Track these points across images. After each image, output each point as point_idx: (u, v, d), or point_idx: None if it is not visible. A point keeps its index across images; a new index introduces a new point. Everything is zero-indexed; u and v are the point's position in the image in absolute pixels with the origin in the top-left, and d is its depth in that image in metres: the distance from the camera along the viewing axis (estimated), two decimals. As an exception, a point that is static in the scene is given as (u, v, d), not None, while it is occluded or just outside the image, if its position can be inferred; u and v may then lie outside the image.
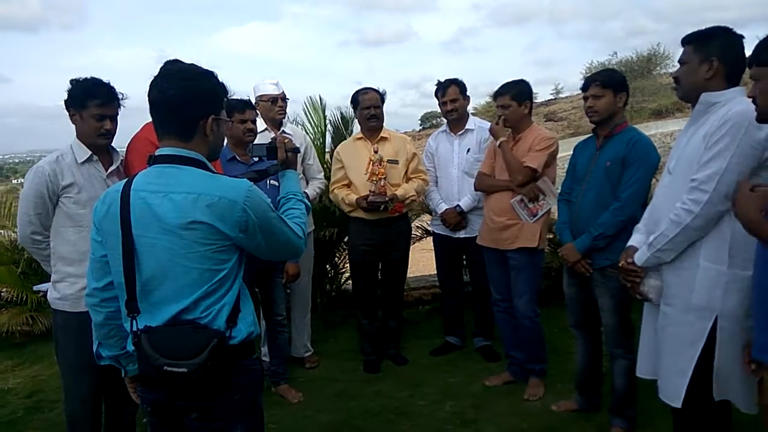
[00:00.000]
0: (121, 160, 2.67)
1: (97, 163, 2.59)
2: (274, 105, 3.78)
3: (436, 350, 4.23)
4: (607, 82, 2.92)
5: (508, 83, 3.51)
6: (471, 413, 3.35)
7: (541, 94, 46.57)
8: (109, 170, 2.61)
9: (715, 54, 2.17)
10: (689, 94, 2.25)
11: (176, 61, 1.84)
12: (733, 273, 2.05)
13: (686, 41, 2.26)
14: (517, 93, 3.44)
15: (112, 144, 2.66)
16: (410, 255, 5.16)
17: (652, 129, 22.86)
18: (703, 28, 2.26)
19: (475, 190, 3.70)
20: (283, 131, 3.88)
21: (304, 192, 3.83)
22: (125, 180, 1.69)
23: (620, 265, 2.43)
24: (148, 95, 1.66)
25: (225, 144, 3.43)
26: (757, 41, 1.87)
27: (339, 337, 4.63)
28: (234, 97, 3.27)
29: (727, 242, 2.07)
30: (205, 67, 1.70)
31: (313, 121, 5.10)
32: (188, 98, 1.63)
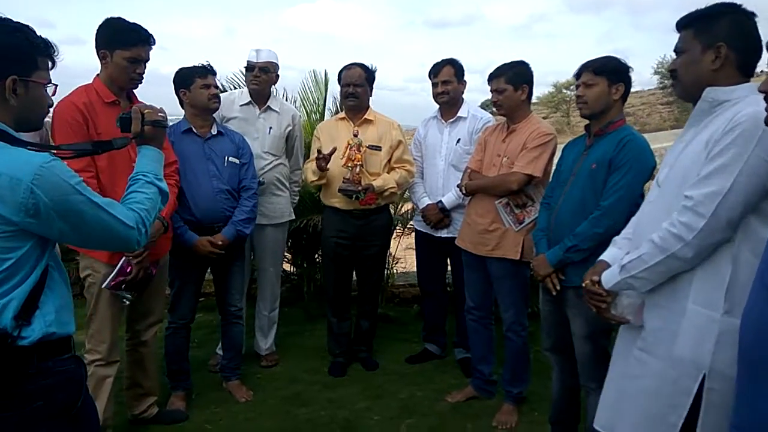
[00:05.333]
0: None
1: None
2: (250, 74, 3.48)
3: (413, 357, 3.88)
4: (601, 69, 2.48)
5: (504, 64, 3.08)
6: (426, 436, 2.99)
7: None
8: None
9: (722, 38, 1.69)
10: (691, 90, 1.78)
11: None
12: (728, 322, 1.59)
13: (683, 25, 1.80)
14: (513, 75, 3.02)
15: None
16: (404, 249, 4.82)
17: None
18: (704, 7, 1.79)
19: (464, 193, 3.27)
20: (269, 106, 3.57)
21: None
22: None
23: (583, 284, 2.02)
24: None
25: (183, 116, 3.17)
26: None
27: (316, 331, 4.33)
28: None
29: (724, 282, 1.63)
30: (16, 21, 1.45)
31: (313, 97, 4.77)
32: None
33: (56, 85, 1.59)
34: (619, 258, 1.94)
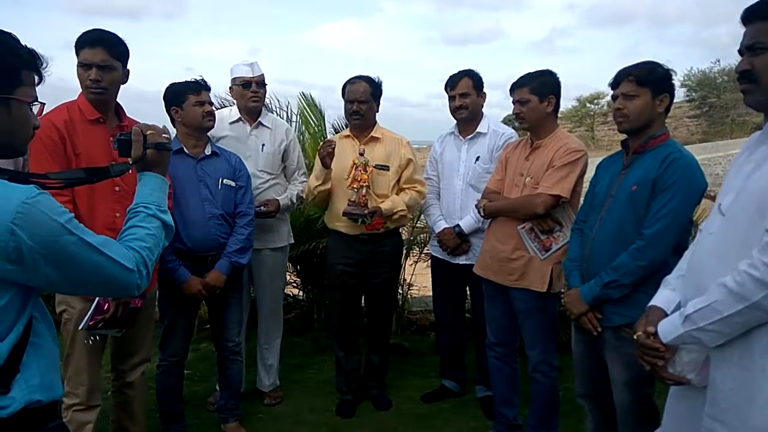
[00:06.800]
0: None
1: None
2: (247, 90, 3.21)
3: (429, 395, 3.53)
4: (645, 79, 2.15)
5: (528, 73, 2.77)
6: (444, 490, 2.65)
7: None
8: None
9: None
10: None
11: None
12: None
13: (762, 14, 1.45)
14: (538, 85, 2.70)
15: None
16: (424, 268, 4.50)
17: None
18: None
19: (482, 216, 2.94)
20: (260, 122, 3.30)
21: (275, 199, 3.20)
22: None
23: (636, 336, 1.68)
24: None
25: (175, 135, 2.92)
26: None
27: (325, 364, 4.01)
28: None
29: None
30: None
31: (313, 120, 4.53)
32: None
33: (43, 104, 1.37)
34: (674, 301, 1.61)
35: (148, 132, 1.51)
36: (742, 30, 1.51)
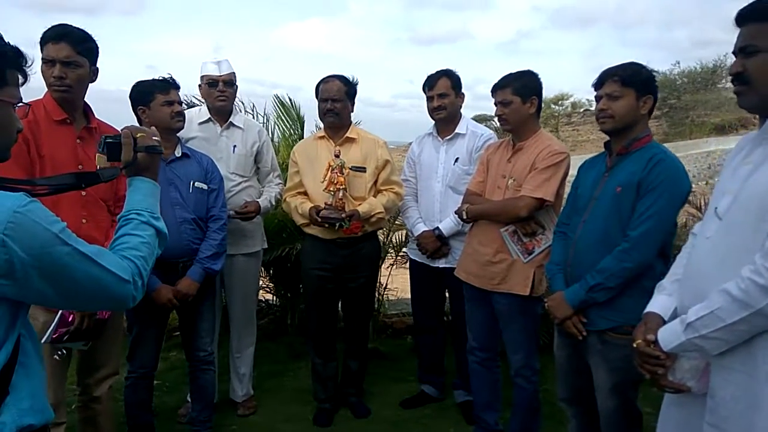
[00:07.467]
0: None
1: None
2: (213, 89, 3.10)
3: (408, 401, 3.47)
4: (629, 80, 2.12)
5: (510, 74, 2.72)
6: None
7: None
8: None
9: None
10: None
11: None
12: None
13: (758, 15, 1.41)
14: (521, 86, 2.66)
15: None
16: (397, 269, 4.45)
17: (712, 145, 21.52)
18: None
19: (464, 220, 2.88)
20: (231, 123, 3.19)
21: (254, 201, 3.14)
22: None
23: (635, 344, 1.64)
24: None
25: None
26: None
27: (300, 371, 3.91)
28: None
29: None
30: None
31: (288, 121, 4.44)
32: None
33: (28, 105, 1.28)
34: (670, 307, 1.57)
35: (138, 135, 1.44)
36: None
